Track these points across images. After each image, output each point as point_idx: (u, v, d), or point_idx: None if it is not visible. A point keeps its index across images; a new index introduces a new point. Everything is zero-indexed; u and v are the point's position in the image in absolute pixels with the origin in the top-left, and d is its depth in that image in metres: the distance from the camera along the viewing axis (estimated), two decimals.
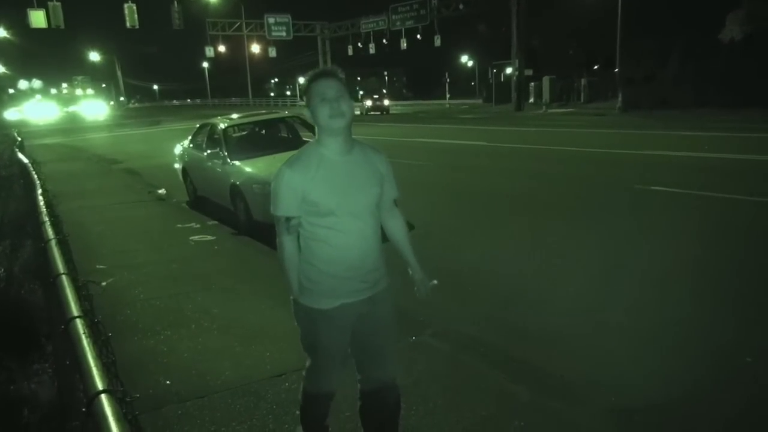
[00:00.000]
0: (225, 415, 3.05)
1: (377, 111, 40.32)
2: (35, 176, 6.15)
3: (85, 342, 1.39)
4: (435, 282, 2.54)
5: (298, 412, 2.64)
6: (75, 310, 1.64)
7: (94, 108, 61.22)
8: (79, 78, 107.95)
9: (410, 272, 2.50)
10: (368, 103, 41.51)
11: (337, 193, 2.15)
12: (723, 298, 4.46)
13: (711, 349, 3.66)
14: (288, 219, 2.18)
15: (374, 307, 2.31)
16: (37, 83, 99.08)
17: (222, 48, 50.20)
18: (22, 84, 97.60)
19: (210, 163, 8.28)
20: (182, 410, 3.13)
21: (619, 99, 26.70)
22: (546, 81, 35.76)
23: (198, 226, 7.67)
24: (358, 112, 40.61)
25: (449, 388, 3.23)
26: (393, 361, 2.48)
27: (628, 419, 2.99)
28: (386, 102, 41.61)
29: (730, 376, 3.37)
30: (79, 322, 1.51)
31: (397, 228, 2.46)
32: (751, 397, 3.16)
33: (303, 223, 2.19)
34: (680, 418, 2.99)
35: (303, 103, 2.32)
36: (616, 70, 28.34)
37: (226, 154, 7.84)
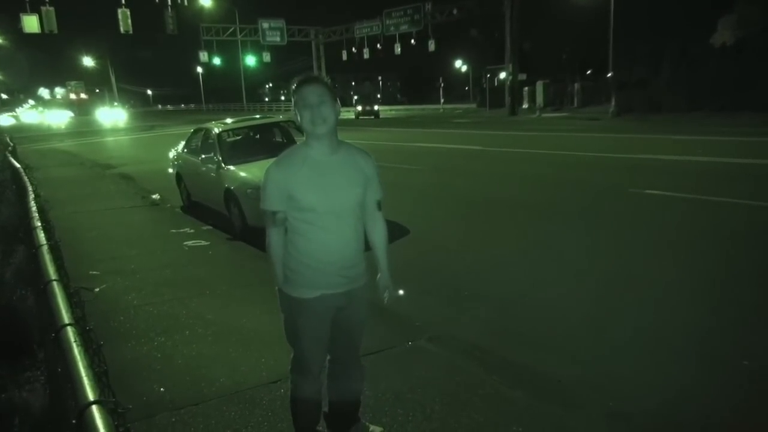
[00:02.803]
0: (219, 423, 3.02)
1: (368, 115, 42.05)
2: (27, 181, 6.10)
3: (77, 351, 1.35)
4: (401, 292, 2.66)
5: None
6: (66, 318, 1.61)
7: (112, 115, 58.07)
8: (73, 83, 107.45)
9: (378, 277, 2.59)
10: (359, 107, 43.39)
11: (318, 191, 2.27)
12: (718, 301, 4.46)
13: (708, 352, 3.66)
14: (274, 213, 2.32)
15: (352, 303, 2.45)
16: (60, 91, 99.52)
17: (216, 54, 50.10)
18: (43, 92, 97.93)
19: (204, 168, 8.24)
20: (176, 417, 3.09)
21: (613, 103, 26.82)
22: (539, 85, 35.90)
23: (192, 231, 7.62)
24: (352, 116, 41.19)
25: (446, 393, 3.20)
26: (360, 347, 2.67)
27: (625, 423, 2.97)
28: (376, 107, 43.65)
29: (727, 379, 3.36)
30: (70, 330, 1.48)
31: (377, 231, 2.55)
32: (748, 399, 3.15)
33: (288, 217, 2.32)
34: (677, 421, 2.98)
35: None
36: (610, 74, 28.49)
37: (220, 158, 7.81)
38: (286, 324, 2.47)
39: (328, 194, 2.28)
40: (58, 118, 58.79)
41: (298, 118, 2.27)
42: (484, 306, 4.67)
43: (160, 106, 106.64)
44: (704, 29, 27.60)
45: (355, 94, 69.59)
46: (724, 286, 4.76)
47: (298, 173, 2.26)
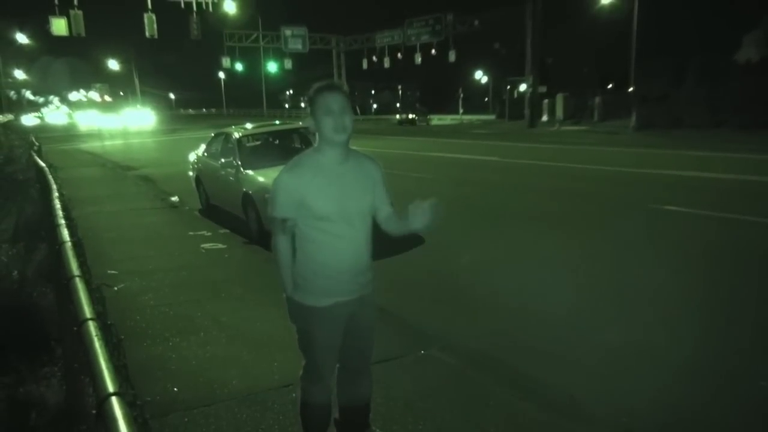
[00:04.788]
0: (231, 425, 3.05)
1: (414, 123, 44.78)
2: (51, 180, 6.22)
3: (98, 344, 1.39)
4: (434, 201, 2.24)
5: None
6: (88, 312, 1.65)
7: (140, 117, 55.53)
8: (98, 85, 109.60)
9: (410, 209, 2.26)
10: (403, 115, 46.88)
11: (331, 199, 2.27)
12: (736, 320, 4.39)
13: (724, 372, 3.61)
14: (283, 220, 2.32)
15: (363, 309, 2.45)
16: (93, 94, 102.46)
17: (238, 60, 50.62)
18: (73, 96, 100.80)
19: (223, 172, 8.34)
20: (188, 418, 3.12)
21: (633, 118, 26.56)
22: (560, 98, 35.71)
23: (209, 234, 7.71)
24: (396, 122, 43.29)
25: (457, 403, 3.20)
26: (371, 354, 2.65)
27: None
28: (413, 115, 46.45)
29: (742, 399, 3.31)
30: (91, 324, 1.52)
31: (399, 220, 2.37)
32: (765, 420, 3.10)
33: (299, 225, 2.31)
34: None
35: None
36: (631, 88, 28.25)
37: (239, 163, 7.90)
38: (299, 334, 2.47)
39: (342, 202, 2.28)
40: (125, 121, 50.45)
41: (315, 125, 2.25)
42: (497, 317, 4.66)
43: (182, 110, 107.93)
44: (728, 45, 27.30)
45: (374, 102, 69.99)
46: (742, 305, 4.69)
47: (312, 181, 2.26)
